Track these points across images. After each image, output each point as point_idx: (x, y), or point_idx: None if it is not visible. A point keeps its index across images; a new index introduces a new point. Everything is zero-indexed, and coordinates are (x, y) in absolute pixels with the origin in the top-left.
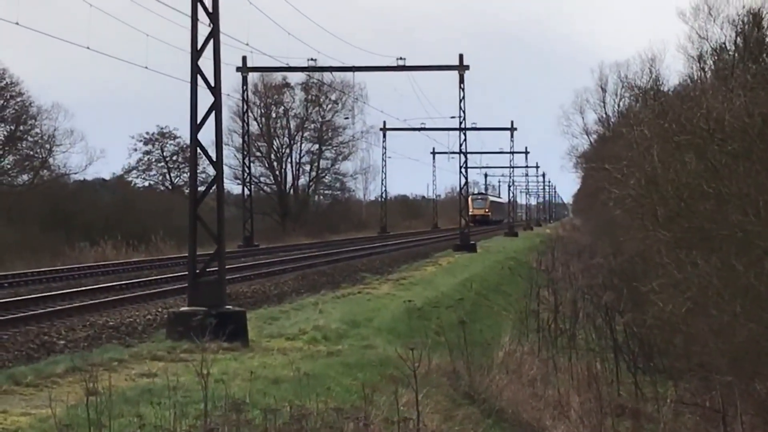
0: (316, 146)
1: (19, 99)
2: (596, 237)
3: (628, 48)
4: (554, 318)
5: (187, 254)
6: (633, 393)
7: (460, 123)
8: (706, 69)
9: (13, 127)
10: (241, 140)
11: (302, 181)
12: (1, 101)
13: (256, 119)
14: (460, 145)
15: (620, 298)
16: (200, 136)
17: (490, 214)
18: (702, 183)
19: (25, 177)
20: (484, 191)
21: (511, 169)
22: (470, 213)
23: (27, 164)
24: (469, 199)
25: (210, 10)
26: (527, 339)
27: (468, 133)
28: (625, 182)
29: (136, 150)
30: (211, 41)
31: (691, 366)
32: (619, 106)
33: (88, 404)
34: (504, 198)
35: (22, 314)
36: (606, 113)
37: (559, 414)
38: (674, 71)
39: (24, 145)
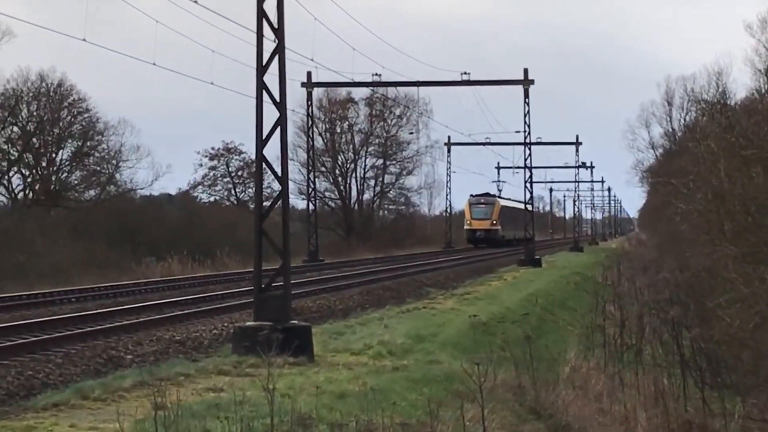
0: (381, 161)
1: (86, 115)
2: (662, 252)
3: (694, 62)
4: (620, 333)
5: (252, 269)
6: (701, 409)
7: (525, 137)
8: None
9: (80, 143)
10: (306, 155)
11: (367, 196)
12: (69, 117)
13: (320, 134)
14: (525, 160)
15: (687, 314)
16: (265, 151)
17: (499, 228)
18: None
19: (92, 193)
20: (491, 193)
21: (577, 184)
22: (468, 226)
23: (94, 180)
24: (466, 205)
25: (275, 26)
26: (593, 354)
27: (533, 147)
28: (692, 197)
29: (201, 165)
30: (277, 57)
31: (759, 381)
32: (685, 120)
33: (156, 418)
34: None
35: (90, 329)
36: (672, 127)
37: (625, 430)
38: (741, 85)
39: (91, 161)
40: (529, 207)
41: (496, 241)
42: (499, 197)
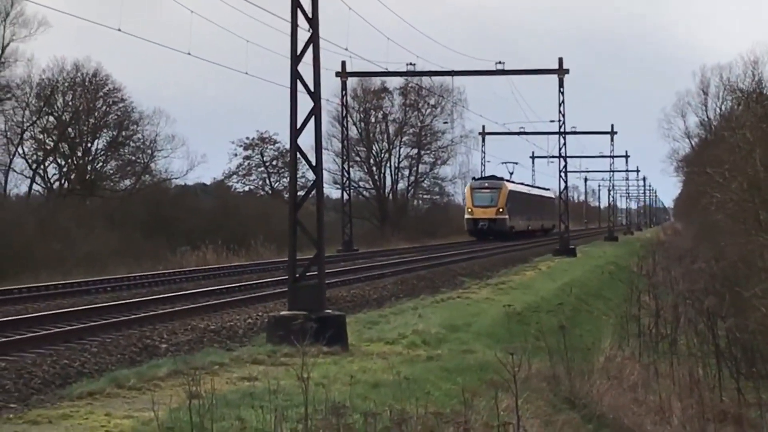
0: (415, 151)
1: (121, 105)
2: (698, 241)
3: (730, 51)
4: (655, 323)
5: (286, 258)
6: (736, 399)
7: (560, 127)
8: None
9: (115, 133)
10: (340, 145)
11: (401, 185)
12: (104, 107)
13: (355, 124)
14: (560, 149)
15: (722, 303)
16: (300, 141)
17: (507, 217)
18: None
19: (127, 182)
20: (498, 176)
21: (611, 173)
22: (469, 215)
23: (129, 169)
24: (467, 189)
25: (309, 15)
26: (628, 344)
27: (567, 136)
28: (727, 186)
29: (236, 155)
30: (311, 46)
31: None
32: (721, 109)
33: (190, 407)
34: (543, 189)
35: (125, 318)
36: (708, 116)
37: (660, 420)
38: None
39: (126, 151)
40: (549, 193)
41: (504, 233)
42: (509, 180)
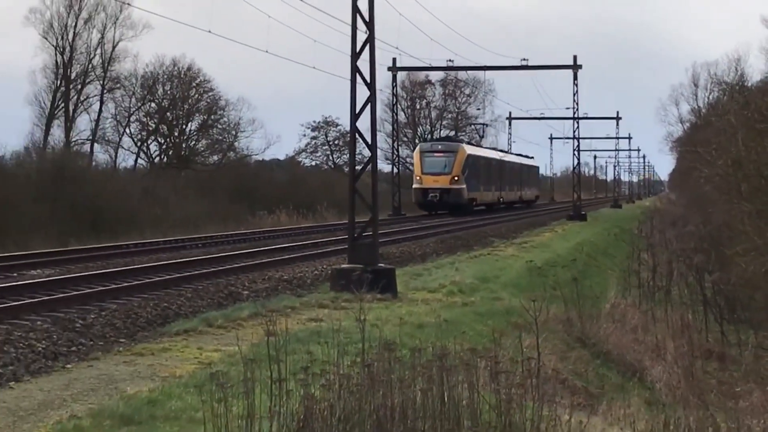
0: (453, 132)
1: (210, 93)
2: (688, 209)
3: (718, 49)
4: (652, 276)
5: (347, 221)
6: (719, 340)
7: (574, 113)
8: None
9: (205, 117)
10: (390, 127)
11: None
12: (196, 95)
13: (403, 110)
14: (574, 132)
15: (709, 260)
16: (358, 124)
17: (464, 186)
18: None
19: (215, 158)
20: (455, 137)
21: (617, 152)
22: (417, 184)
23: (216, 147)
24: (416, 152)
25: (367, 20)
26: (629, 294)
27: (580, 121)
28: (714, 163)
29: (305, 135)
30: (368, 46)
31: None
32: (709, 99)
33: (268, 343)
34: (521, 156)
35: (213, 269)
36: (698, 105)
37: (656, 356)
38: (757, 70)
39: (214, 132)
40: (530, 161)
41: (461, 206)
42: (469, 143)
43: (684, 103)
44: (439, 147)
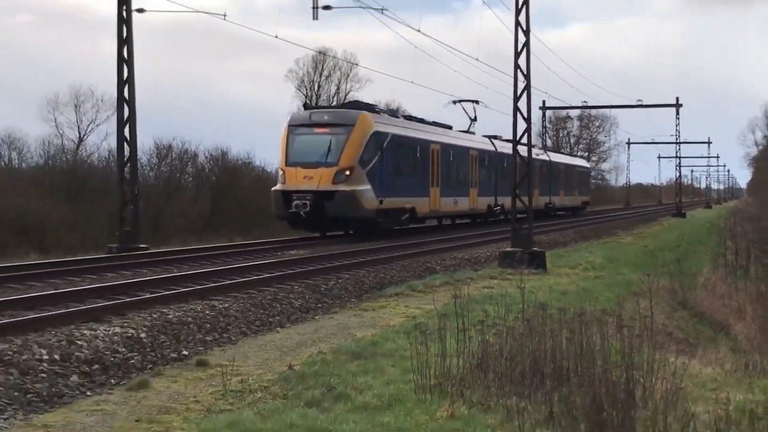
0: (587, 154)
1: None
2: (762, 209)
3: None
4: (735, 258)
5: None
6: None
7: (677, 138)
8: None
9: None
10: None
11: None
12: None
13: (550, 138)
14: (676, 152)
15: None
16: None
17: (368, 187)
18: None
19: None
20: (358, 101)
21: (708, 167)
22: (280, 185)
23: None
24: (283, 131)
25: (525, 72)
26: (718, 271)
27: (681, 145)
28: None
29: None
30: (525, 92)
31: None
32: None
33: (455, 303)
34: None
35: (415, 251)
36: None
37: (738, 317)
38: None
39: None
40: (575, 161)
41: (356, 221)
42: (381, 111)
43: (758, 131)
44: (326, 118)
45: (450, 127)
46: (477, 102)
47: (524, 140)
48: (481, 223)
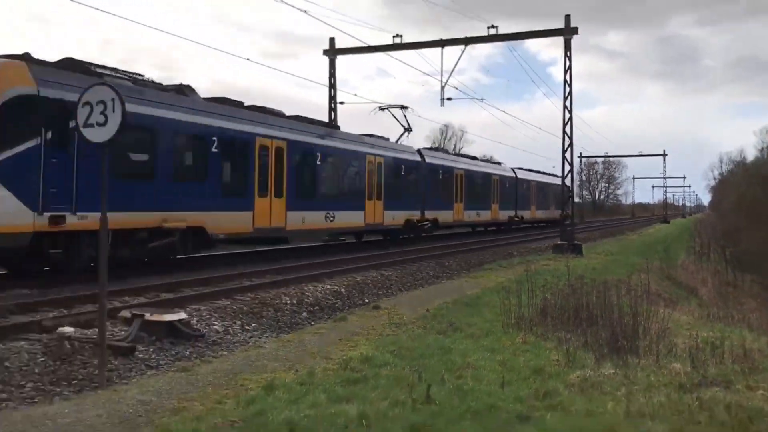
0: (607, 185)
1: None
2: (718, 219)
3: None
4: (701, 249)
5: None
6: (733, 278)
7: (664, 174)
8: None
9: None
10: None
11: (602, 196)
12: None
13: (582, 176)
14: (663, 183)
15: (727, 242)
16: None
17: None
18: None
19: None
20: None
21: (684, 193)
22: None
23: None
24: None
25: (569, 136)
26: (690, 257)
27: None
28: (729, 198)
29: None
30: (570, 147)
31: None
32: (722, 172)
33: (527, 275)
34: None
35: (500, 244)
36: (722, 170)
37: (703, 285)
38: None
39: None
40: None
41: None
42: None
43: (716, 170)
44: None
45: (499, 164)
46: (405, 107)
47: (568, 178)
48: (504, 230)
